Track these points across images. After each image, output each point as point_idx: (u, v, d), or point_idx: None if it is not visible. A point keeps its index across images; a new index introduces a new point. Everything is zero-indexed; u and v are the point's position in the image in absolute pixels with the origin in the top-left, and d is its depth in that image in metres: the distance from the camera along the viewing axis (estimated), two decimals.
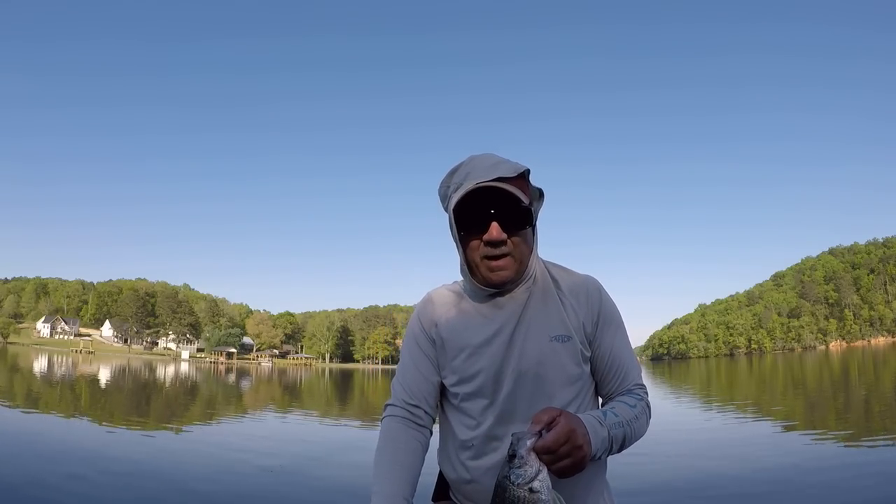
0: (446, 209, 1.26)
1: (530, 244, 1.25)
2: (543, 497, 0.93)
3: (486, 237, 1.17)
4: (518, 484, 0.93)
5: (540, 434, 0.98)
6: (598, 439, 1.08)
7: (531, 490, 0.93)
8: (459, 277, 1.35)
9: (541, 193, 1.29)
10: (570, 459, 1.00)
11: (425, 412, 1.30)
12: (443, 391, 1.34)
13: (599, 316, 1.28)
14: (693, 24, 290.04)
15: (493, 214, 1.17)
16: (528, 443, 0.96)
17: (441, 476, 1.38)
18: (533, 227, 1.25)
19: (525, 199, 1.17)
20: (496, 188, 1.15)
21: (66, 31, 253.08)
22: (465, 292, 1.33)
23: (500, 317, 1.25)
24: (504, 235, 1.17)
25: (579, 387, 1.25)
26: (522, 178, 1.22)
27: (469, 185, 1.17)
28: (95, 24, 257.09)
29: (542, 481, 0.94)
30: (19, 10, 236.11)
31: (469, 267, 1.25)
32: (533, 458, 0.95)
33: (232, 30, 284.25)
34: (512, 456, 0.96)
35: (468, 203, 1.18)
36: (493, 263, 1.19)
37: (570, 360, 1.23)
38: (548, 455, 0.97)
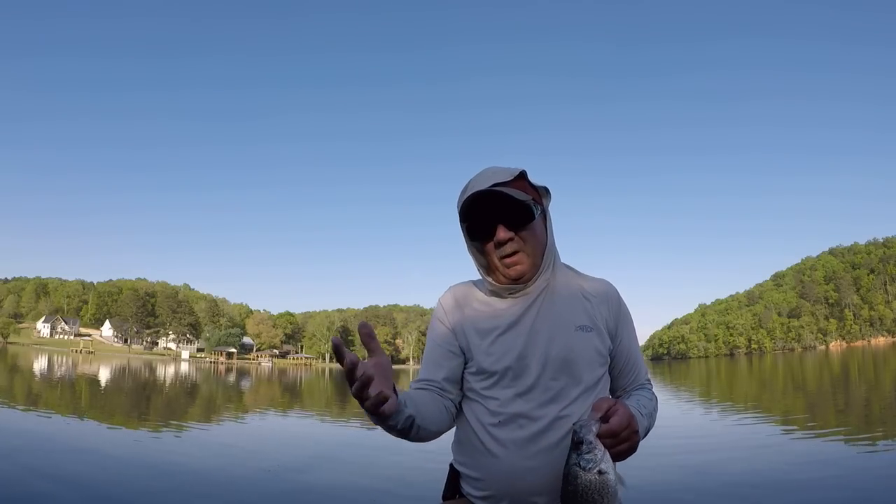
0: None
1: (541, 238, 1.32)
2: (611, 477, 0.98)
3: (495, 239, 1.26)
4: (588, 469, 0.97)
5: (599, 421, 1.03)
6: (641, 428, 1.19)
7: (600, 472, 0.97)
8: (469, 277, 1.45)
9: (547, 190, 1.37)
10: (628, 443, 1.08)
11: (449, 389, 1.34)
12: (465, 378, 1.38)
13: (619, 317, 1.38)
14: (695, 40, 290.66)
15: (495, 217, 1.25)
16: (594, 428, 1.00)
17: (451, 473, 1.39)
18: (545, 220, 1.35)
19: (522, 196, 1.24)
20: (492, 193, 1.23)
21: (69, 47, 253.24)
22: (485, 289, 1.39)
23: (521, 304, 1.32)
24: (511, 234, 1.26)
25: (601, 374, 1.33)
26: (522, 178, 1.30)
27: (464, 197, 1.27)
28: (98, 39, 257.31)
29: (608, 463, 0.99)
30: (26, 26, 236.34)
31: (489, 269, 1.33)
32: (598, 442, 1.00)
33: (236, 44, 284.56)
34: (579, 443, 0.99)
35: (474, 213, 1.27)
36: (508, 260, 1.27)
37: (594, 348, 1.30)
38: (610, 439, 1.03)
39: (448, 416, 1.32)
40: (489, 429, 1.28)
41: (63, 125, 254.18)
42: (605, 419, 1.04)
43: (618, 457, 1.05)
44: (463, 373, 1.37)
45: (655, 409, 1.36)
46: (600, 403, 1.07)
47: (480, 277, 1.40)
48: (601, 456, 0.98)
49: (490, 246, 1.28)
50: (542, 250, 1.32)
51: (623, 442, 1.06)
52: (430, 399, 1.29)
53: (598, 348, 1.31)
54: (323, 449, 9.21)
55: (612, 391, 1.41)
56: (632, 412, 1.10)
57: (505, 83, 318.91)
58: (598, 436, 1.01)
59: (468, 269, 1.42)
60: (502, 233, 1.25)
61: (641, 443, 1.31)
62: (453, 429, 1.40)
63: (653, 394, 1.39)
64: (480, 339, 1.32)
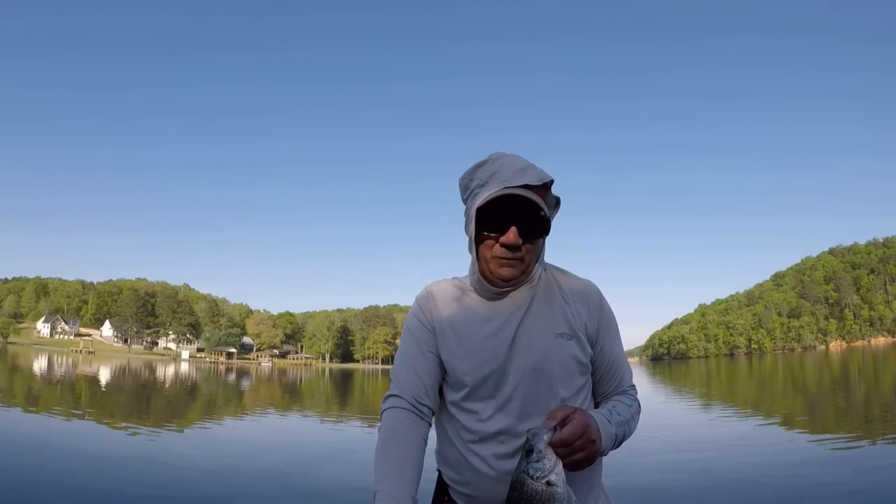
0: (464, 200, 1.30)
1: (540, 250, 1.28)
2: (559, 490, 0.95)
3: (503, 240, 1.20)
4: (536, 478, 0.95)
5: (555, 429, 1.00)
6: (607, 436, 1.14)
7: (548, 483, 0.94)
8: (457, 274, 1.39)
9: (557, 202, 1.31)
10: (584, 453, 1.04)
11: (428, 405, 1.31)
12: (443, 388, 1.35)
13: (600, 320, 1.32)
14: (695, 38, 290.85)
15: (514, 221, 1.19)
16: (546, 437, 0.98)
17: (440, 479, 1.38)
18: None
19: (547, 213, 1.20)
20: (521, 196, 1.17)
21: (71, 45, 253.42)
22: (467, 287, 1.34)
23: (503, 313, 1.27)
24: (520, 241, 1.19)
25: (581, 383, 1.29)
26: (545, 187, 1.24)
27: (497, 190, 1.19)
28: (97, 37, 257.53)
29: (558, 475, 0.96)
30: (26, 24, 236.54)
31: (478, 262, 1.27)
32: (550, 452, 0.97)
33: (236, 42, 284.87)
34: (529, 451, 0.97)
35: (492, 203, 1.19)
36: (503, 260, 1.22)
37: (573, 357, 1.26)
38: (563, 448, 1.00)
39: (426, 441, 1.29)
40: (469, 446, 1.26)
41: (63, 125, 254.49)
42: (561, 427, 1.02)
43: (573, 466, 1.03)
44: (441, 382, 1.34)
45: (635, 416, 1.30)
46: (555, 412, 1.05)
47: (461, 274, 1.38)
48: (551, 466, 0.96)
49: (491, 241, 1.22)
50: (535, 261, 1.28)
51: (577, 451, 1.03)
52: (412, 455, 1.23)
53: (578, 356, 1.26)
54: (322, 449, 9.21)
55: (594, 397, 1.37)
56: (589, 421, 1.06)
57: (504, 82, 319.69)
58: (551, 444, 0.98)
59: (468, 268, 1.37)
60: (513, 236, 1.19)
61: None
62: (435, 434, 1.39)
63: (634, 399, 1.34)
64: (459, 344, 1.28)
